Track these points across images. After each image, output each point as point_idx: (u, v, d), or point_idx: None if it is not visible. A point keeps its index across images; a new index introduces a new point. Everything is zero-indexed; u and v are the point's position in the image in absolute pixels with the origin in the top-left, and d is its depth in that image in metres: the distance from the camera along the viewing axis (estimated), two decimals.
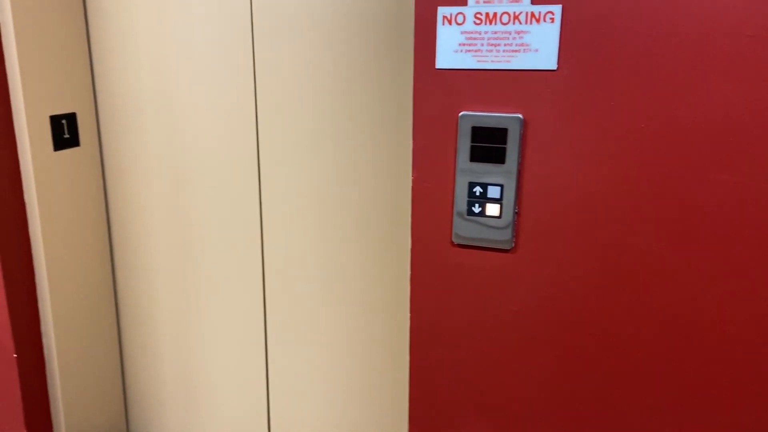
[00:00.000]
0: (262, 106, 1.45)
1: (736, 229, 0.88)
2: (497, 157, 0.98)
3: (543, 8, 0.90)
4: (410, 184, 1.04)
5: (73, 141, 1.54)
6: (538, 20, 0.90)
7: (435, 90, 0.98)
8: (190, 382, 1.73)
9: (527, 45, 0.92)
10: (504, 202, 0.99)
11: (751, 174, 0.86)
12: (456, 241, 1.03)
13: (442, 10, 0.95)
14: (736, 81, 0.83)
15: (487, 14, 0.93)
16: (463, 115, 0.98)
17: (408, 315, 1.10)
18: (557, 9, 0.89)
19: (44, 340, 1.57)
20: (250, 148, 1.49)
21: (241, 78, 1.45)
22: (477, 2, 0.93)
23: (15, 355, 1.51)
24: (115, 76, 1.55)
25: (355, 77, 1.35)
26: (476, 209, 1.01)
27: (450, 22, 0.95)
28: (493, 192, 0.99)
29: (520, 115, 0.95)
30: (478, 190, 1.00)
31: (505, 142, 0.96)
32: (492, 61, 0.94)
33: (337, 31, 1.34)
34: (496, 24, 0.93)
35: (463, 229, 1.02)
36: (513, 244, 1.00)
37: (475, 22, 0.94)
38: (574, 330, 1.00)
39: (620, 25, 0.87)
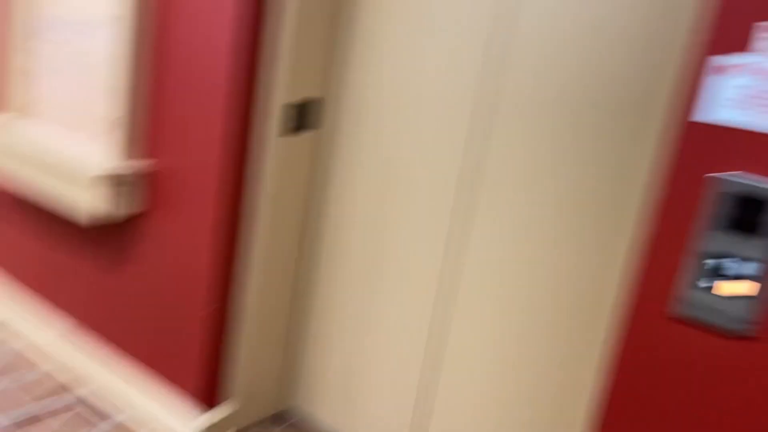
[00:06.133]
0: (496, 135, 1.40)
1: None
2: (752, 228, 0.87)
3: None
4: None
5: (312, 124, 1.60)
6: None
7: (692, 147, 0.90)
8: (353, 369, 1.68)
9: None
10: (760, 281, 0.88)
11: None
12: (681, 313, 0.92)
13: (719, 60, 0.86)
14: None
15: None
16: (722, 178, 0.88)
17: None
18: None
19: (234, 302, 1.60)
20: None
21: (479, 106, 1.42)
22: None
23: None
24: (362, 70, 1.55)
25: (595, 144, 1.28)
26: (710, 283, 0.90)
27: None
28: (746, 268, 0.88)
29: None
30: (723, 263, 0.90)
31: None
32: None
33: (585, 107, 1.27)
34: None
35: (695, 304, 0.92)
36: (753, 330, 0.89)
37: None
38: None
39: None
